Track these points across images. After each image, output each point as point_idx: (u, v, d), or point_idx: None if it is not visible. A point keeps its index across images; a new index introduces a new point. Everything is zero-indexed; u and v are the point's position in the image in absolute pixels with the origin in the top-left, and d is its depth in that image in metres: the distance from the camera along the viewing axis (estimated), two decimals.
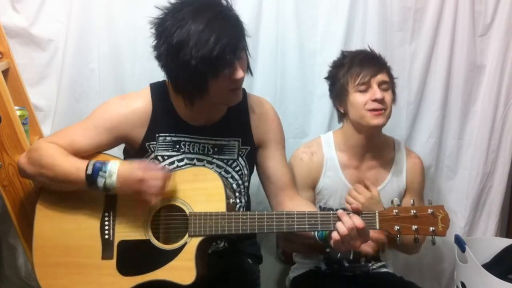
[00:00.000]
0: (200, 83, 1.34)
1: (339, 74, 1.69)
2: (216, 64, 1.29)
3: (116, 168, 1.32)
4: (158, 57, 1.37)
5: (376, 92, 1.62)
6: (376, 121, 1.64)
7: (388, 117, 1.68)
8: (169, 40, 1.30)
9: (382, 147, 1.79)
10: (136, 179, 1.31)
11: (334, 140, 1.78)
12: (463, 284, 1.98)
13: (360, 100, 1.64)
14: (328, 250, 1.52)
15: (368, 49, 1.75)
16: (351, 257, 1.77)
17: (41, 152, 1.38)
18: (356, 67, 1.65)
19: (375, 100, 1.62)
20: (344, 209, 1.70)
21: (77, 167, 1.35)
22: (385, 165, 1.78)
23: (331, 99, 1.78)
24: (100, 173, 1.32)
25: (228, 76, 1.34)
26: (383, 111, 1.64)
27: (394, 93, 1.72)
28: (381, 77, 1.65)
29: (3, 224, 1.93)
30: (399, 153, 1.80)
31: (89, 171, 1.33)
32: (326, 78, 1.78)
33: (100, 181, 1.32)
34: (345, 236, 1.29)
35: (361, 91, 1.64)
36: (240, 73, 1.35)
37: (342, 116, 1.75)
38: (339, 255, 1.77)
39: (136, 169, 1.32)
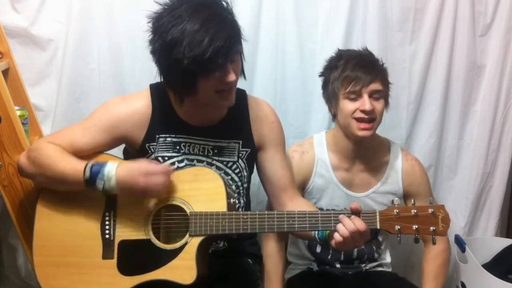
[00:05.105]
0: (190, 82, 1.34)
1: (331, 77, 1.65)
2: (207, 66, 1.28)
3: (113, 171, 1.32)
4: (153, 52, 1.38)
5: (365, 102, 1.58)
6: (361, 133, 1.61)
7: (377, 126, 1.65)
8: (164, 37, 1.30)
9: (375, 150, 1.75)
10: (137, 186, 1.31)
11: (326, 140, 1.76)
12: (463, 284, 1.99)
13: (348, 107, 1.61)
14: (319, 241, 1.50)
15: (366, 51, 1.70)
16: (342, 258, 1.77)
17: (41, 152, 1.38)
18: (349, 72, 1.60)
19: (363, 111, 1.59)
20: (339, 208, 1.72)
21: (75, 169, 1.34)
22: (378, 168, 1.75)
23: (323, 98, 1.75)
24: (99, 175, 1.32)
25: (218, 78, 1.33)
26: (371, 123, 1.61)
27: (386, 101, 1.67)
28: (374, 86, 1.60)
29: (3, 224, 1.93)
30: (394, 156, 1.76)
31: (87, 175, 1.32)
32: (320, 75, 1.75)
33: (99, 185, 1.32)
34: (347, 238, 1.30)
35: (350, 99, 1.61)
36: (231, 77, 1.34)
37: (334, 117, 1.73)
38: (329, 256, 1.77)
39: (136, 173, 1.32)
